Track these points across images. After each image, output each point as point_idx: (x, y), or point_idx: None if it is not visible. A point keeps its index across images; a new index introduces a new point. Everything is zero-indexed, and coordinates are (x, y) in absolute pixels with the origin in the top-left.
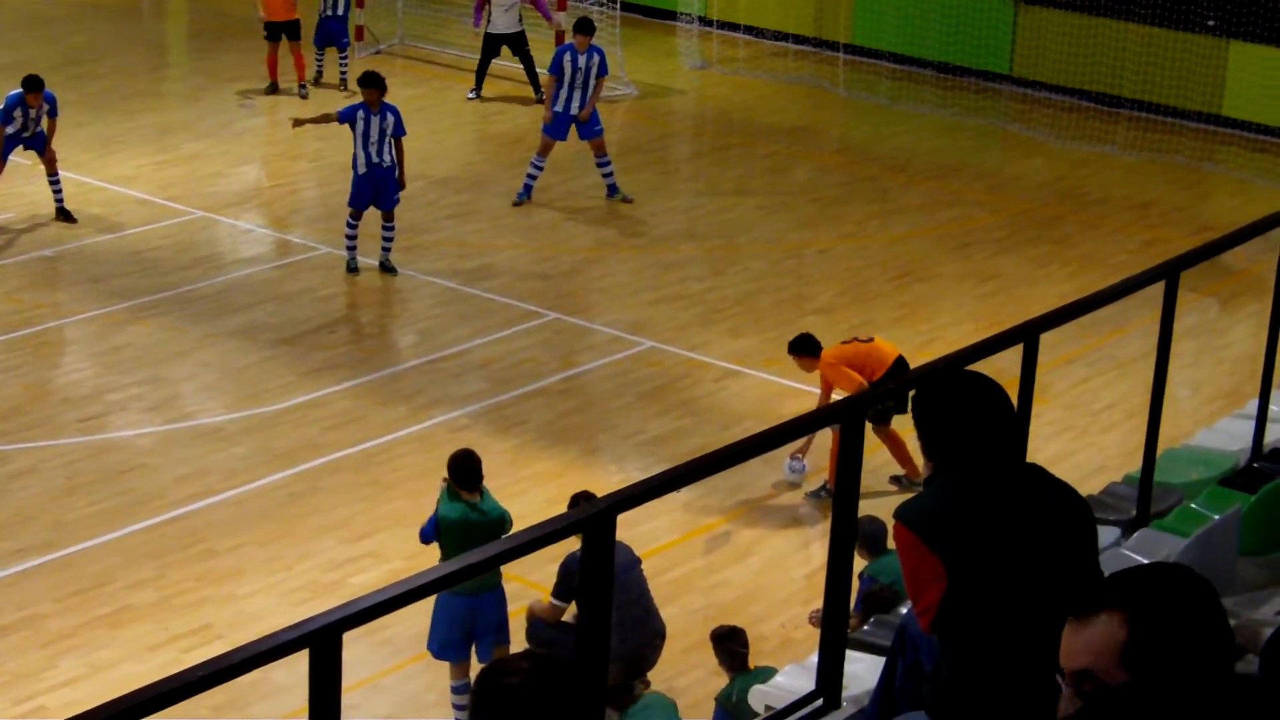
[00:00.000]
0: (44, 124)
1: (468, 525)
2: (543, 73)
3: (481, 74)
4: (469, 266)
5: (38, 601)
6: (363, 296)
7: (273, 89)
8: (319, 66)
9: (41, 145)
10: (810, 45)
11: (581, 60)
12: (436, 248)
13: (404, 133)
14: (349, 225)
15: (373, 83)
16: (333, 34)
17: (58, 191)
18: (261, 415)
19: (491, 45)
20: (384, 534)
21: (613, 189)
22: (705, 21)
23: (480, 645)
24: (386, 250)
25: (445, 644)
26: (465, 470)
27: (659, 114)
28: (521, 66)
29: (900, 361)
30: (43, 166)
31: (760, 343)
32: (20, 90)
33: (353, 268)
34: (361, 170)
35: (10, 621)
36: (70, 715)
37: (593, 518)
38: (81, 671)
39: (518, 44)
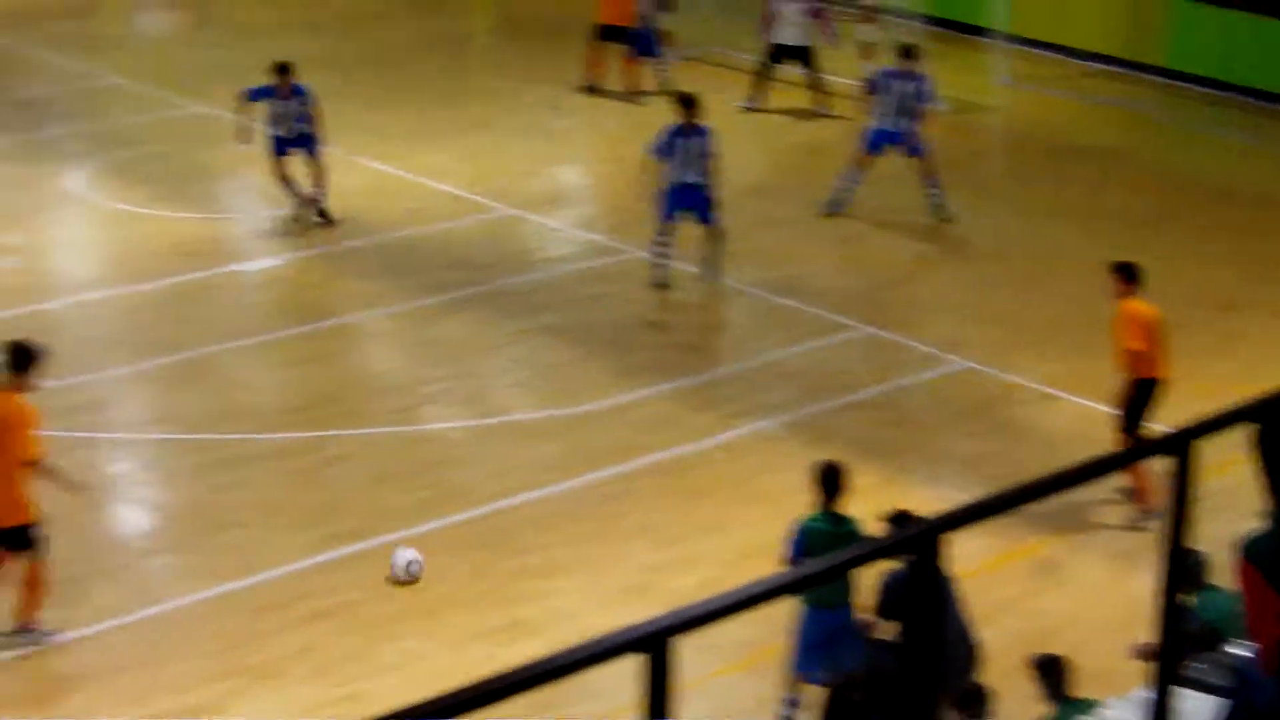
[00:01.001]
0: (308, 123)
1: (830, 537)
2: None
3: (761, 83)
4: (779, 276)
5: (353, 588)
6: (674, 302)
7: (591, 89)
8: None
9: (311, 145)
10: (1121, 66)
11: (899, 85)
12: (747, 256)
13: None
14: (659, 238)
15: (686, 102)
16: (646, 43)
17: (319, 201)
18: (573, 414)
19: (777, 56)
20: (695, 539)
21: (937, 208)
22: (1012, 38)
23: (829, 659)
24: (712, 262)
25: (803, 656)
26: (829, 482)
27: (969, 130)
28: (806, 78)
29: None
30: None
31: (1074, 366)
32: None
33: (660, 283)
34: (671, 185)
35: (328, 606)
36: (391, 704)
37: (919, 536)
38: (396, 660)
39: (805, 55)
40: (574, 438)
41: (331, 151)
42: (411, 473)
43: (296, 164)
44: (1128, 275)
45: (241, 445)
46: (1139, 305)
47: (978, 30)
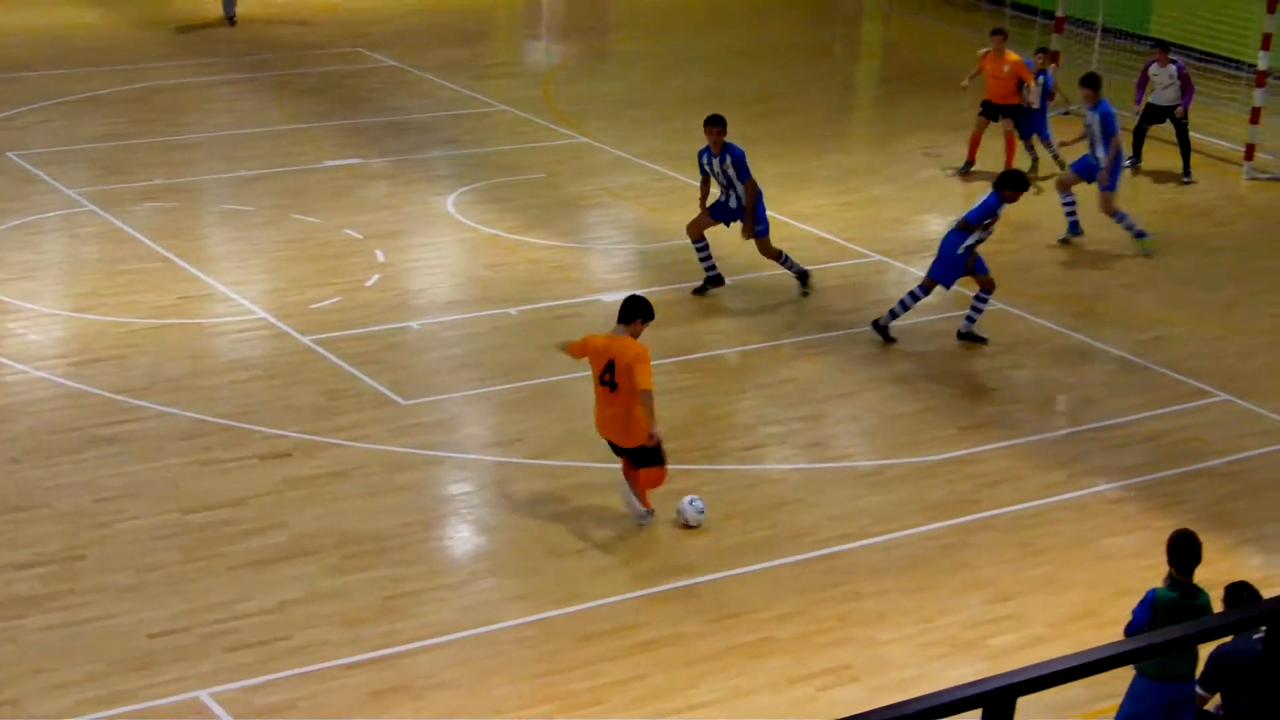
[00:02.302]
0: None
1: (1180, 609)
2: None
3: (1138, 143)
4: (1143, 338)
5: (685, 620)
6: (1029, 357)
7: (967, 168)
8: (1032, 156)
9: (736, 217)
10: None
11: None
12: (1108, 315)
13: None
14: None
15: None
16: (1035, 124)
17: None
18: (917, 464)
19: (1152, 115)
20: (1028, 597)
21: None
22: None
23: None
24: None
25: None
26: (1184, 552)
27: None
28: (1177, 140)
29: None
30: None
31: None
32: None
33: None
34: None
35: (655, 638)
36: None
37: (1275, 614)
38: (719, 695)
39: (1176, 118)
40: (915, 488)
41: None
42: (754, 511)
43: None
44: None
45: (588, 473)
46: None
47: None
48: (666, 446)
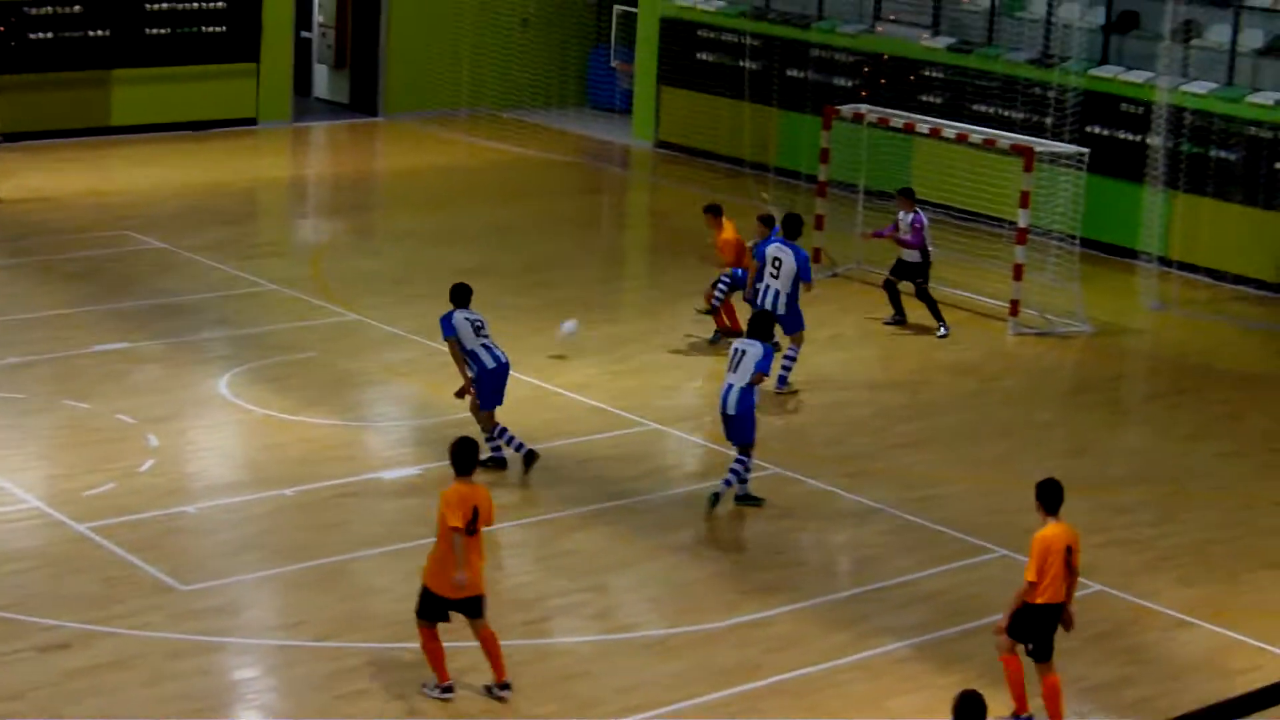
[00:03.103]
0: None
1: None
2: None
3: (894, 298)
4: (919, 496)
5: None
6: (809, 519)
7: (718, 336)
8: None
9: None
10: (1272, 290)
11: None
12: (885, 475)
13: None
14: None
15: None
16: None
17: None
18: (704, 631)
19: (901, 271)
20: None
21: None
22: (1166, 262)
23: None
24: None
25: None
26: (967, 714)
27: (1114, 353)
28: (918, 296)
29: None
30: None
31: (1212, 593)
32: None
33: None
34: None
35: None
36: None
37: None
38: None
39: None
40: (702, 655)
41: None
42: (541, 685)
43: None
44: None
45: (370, 654)
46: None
47: (1131, 253)
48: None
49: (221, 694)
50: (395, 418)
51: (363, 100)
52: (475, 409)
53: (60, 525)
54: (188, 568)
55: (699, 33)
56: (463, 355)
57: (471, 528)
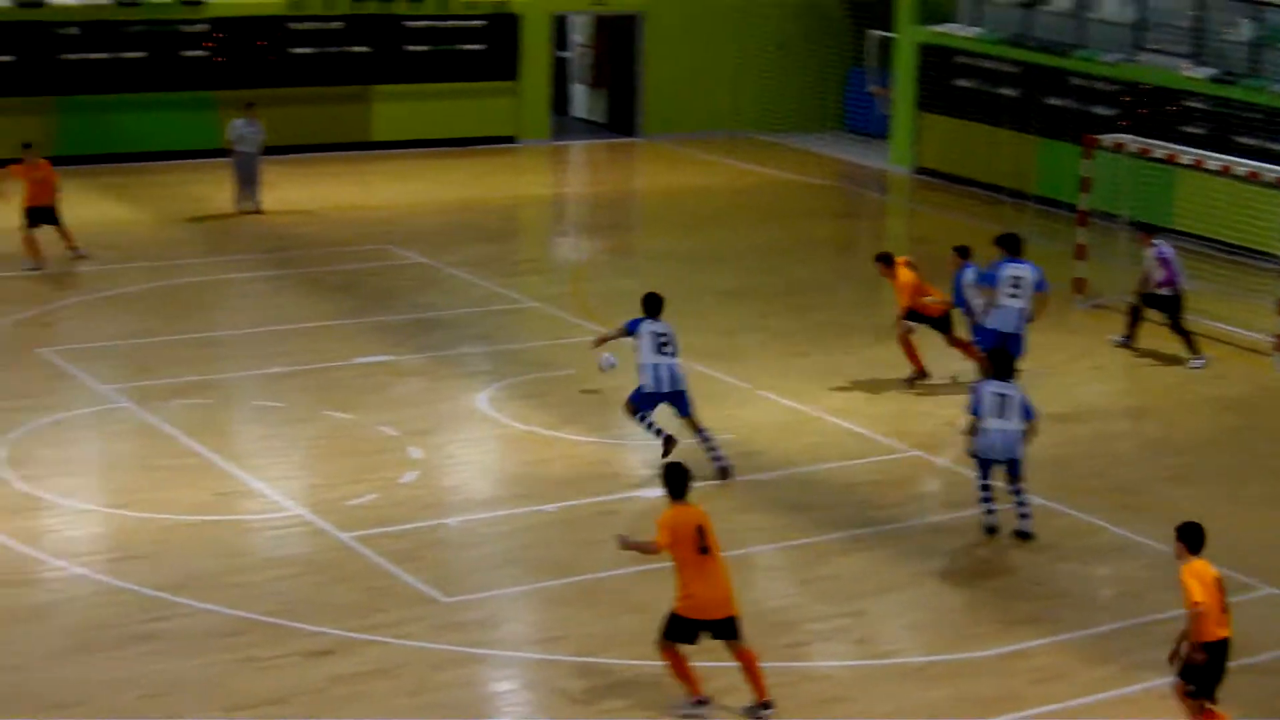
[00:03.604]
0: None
1: None
2: None
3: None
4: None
5: None
6: (1071, 551)
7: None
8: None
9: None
10: None
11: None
12: (1151, 509)
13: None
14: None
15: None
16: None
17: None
18: (965, 660)
19: (1151, 302)
20: None
21: None
22: None
23: None
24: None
25: None
26: None
27: None
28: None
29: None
30: None
31: None
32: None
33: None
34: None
35: None
36: None
37: None
38: None
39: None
40: (963, 684)
41: (740, 386)
42: (798, 709)
43: None
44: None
45: (628, 670)
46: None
47: None
48: (709, 643)
49: (479, 705)
50: (651, 437)
51: (620, 120)
52: (629, 405)
53: (323, 534)
54: (449, 579)
55: (957, 59)
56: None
57: (702, 547)
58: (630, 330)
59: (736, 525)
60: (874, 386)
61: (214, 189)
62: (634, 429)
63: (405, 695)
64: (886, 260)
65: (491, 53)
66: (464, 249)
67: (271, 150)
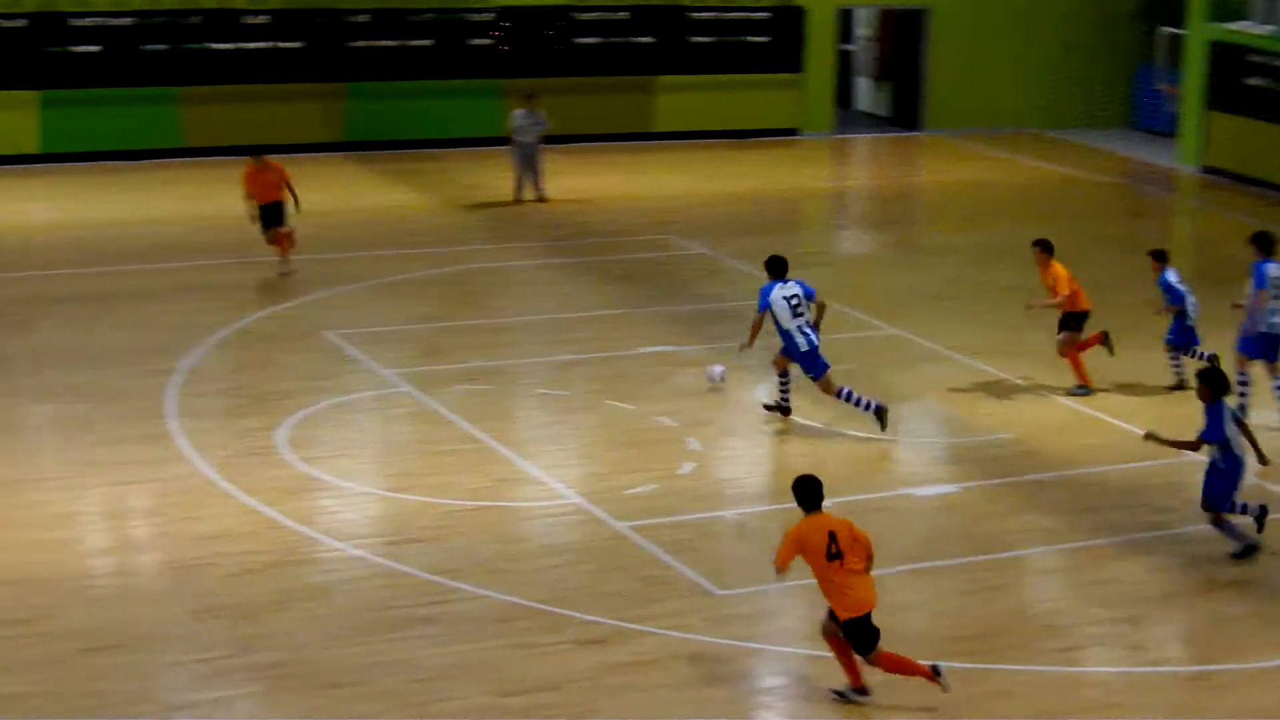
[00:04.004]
0: None
1: None
2: None
3: None
4: None
5: None
6: None
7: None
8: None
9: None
10: None
11: None
12: None
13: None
14: None
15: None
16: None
17: None
18: (1242, 671)
19: None
20: None
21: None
22: None
23: None
24: None
25: None
26: None
27: None
28: None
29: None
30: None
31: None
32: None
33: None
34: None
35: None
36: None
37: None
38: None
39: None
40: (1240, 695)
41: (1019, 384)
42: (1068, 714)
43: None
44: None
45: None
46: None
47: None
48: (978, 646)
49: (749, 699)
50: (931, 435)
51: (904, 114)
52: (780, 362)
53: (600, 523)
54: (724, 572)
55: (1249, 57)
56: (773, 328)
57: (832, 553)
58: (765, 303)
59: (1012, 526)
60: (1156, 389)
61: (497, 177)
62: (916, 427)
63: (676, 687)
64: (1047, 247)
65: (776, 45)
66: (744, 240)
67: (554, 139)
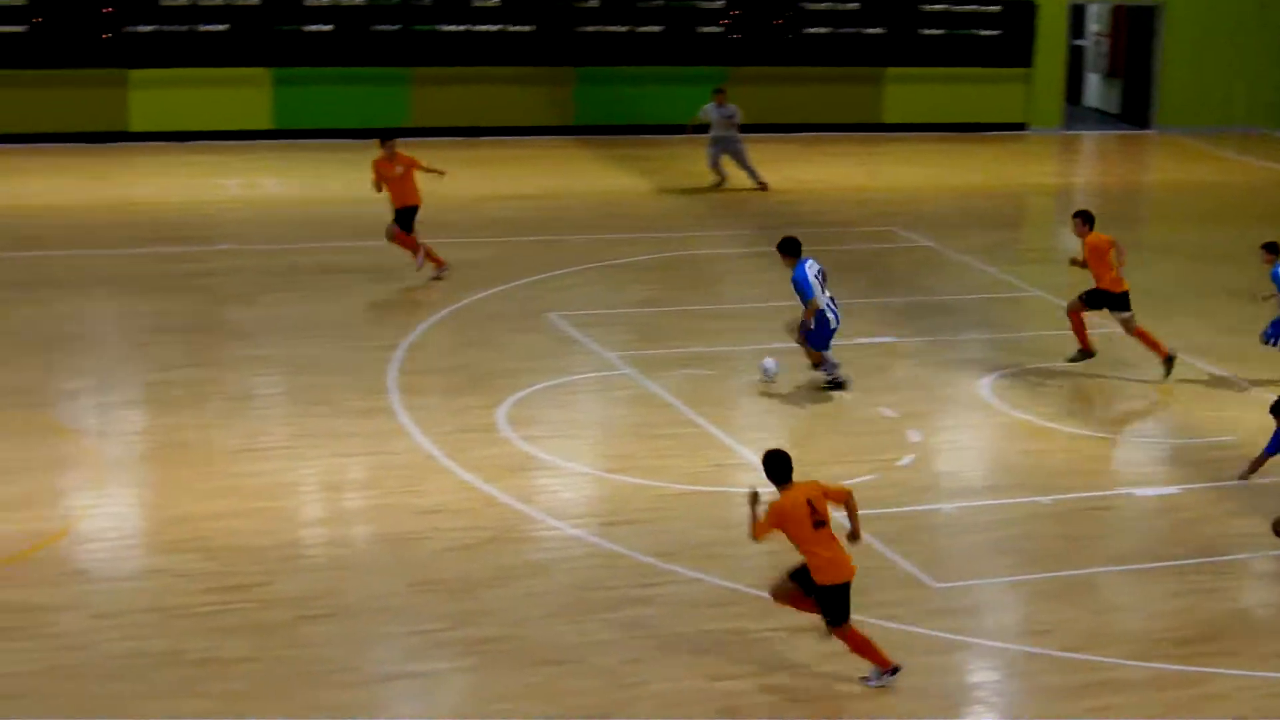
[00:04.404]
0: None
1: None
2: None
3: None
4: None
5: None
6: None
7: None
8: None
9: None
10: None
11: None
12: None
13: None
14: None
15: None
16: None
17: None
18: None
19: None
20: None
21: None
22: None
23: None
24: None
25: None
26: None
27: None
28: None
29: None
30: None
31: None
32: None
33: None
34: None
35: None
36: None
37: None
38: None
39: None
40: None
41: (1248, 387)
42: None
43: None
44: None
45: (1114, 670)
46: None
47: None
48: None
49: (963, 693)
50: (1154, 434)
51: (1134, 111)
52: (805, 343)
53: None
54: (940, 565)
55: None
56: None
57: (817, 521)
58: (811, 286)
59: (1229, 530)
60: None
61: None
62: (1137, 425)
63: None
64: (1088, 219)
65: (1006, 39)
66: (969, 235)
67: (779, 129)
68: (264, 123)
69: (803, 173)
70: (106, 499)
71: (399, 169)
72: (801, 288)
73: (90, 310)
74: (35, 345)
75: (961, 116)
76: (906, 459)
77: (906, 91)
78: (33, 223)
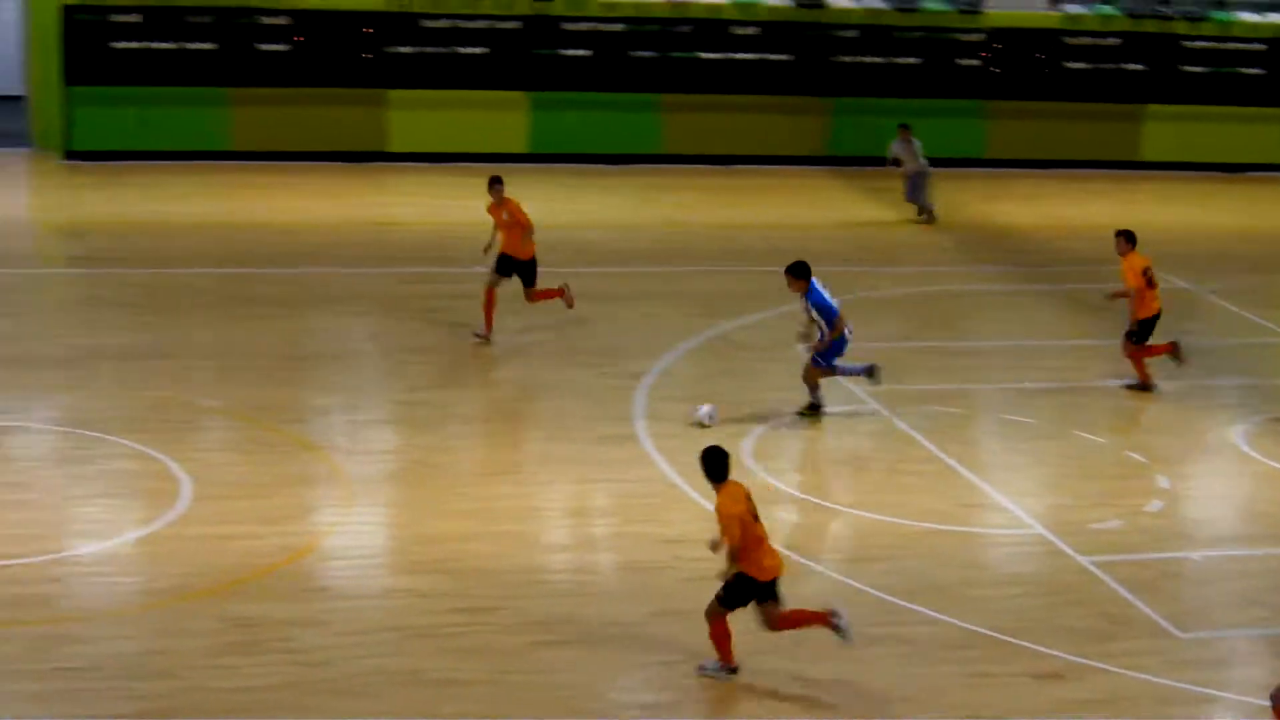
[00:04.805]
0: None
1: None
2: None
3: None
4: None
5: None
6: None
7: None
8: None
9: None
10: None
11: None
12: None
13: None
14: None
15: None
16: None
17: None
18: None
19: None
20: None
21: None
22: None
23: None
24: None
25: None
26: None
27: None
28: None
29: None
30: None
31: None
32: None
33: None
34: None
35: None
36: None
37: None
38: None
39: None
40: None
41: None
42: None
43: None
44: None
45: None
46: None
47: None
48: None
49: None
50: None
51: None
52: (811, 369)
53: (1062, 555)
54: (1187, 615)
55: None
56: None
57: (755, 514)
58: (831, 308)
59: None
60: None
61: (976, 196)
62: None
63: None
64: (1131, 239)
65: (1272, 78)
66: (1228, 277)
67: (1036, 164)
68: (520, 146)
69: (1060, 209)
70: (352, 517)
71: (505, 215)
72: (824, 309)
73: (342, 328)
74: (289, 362)
75: (1222, 156)
76: (1155, 504)
77: (1166, 129)
78: (290, 240)
